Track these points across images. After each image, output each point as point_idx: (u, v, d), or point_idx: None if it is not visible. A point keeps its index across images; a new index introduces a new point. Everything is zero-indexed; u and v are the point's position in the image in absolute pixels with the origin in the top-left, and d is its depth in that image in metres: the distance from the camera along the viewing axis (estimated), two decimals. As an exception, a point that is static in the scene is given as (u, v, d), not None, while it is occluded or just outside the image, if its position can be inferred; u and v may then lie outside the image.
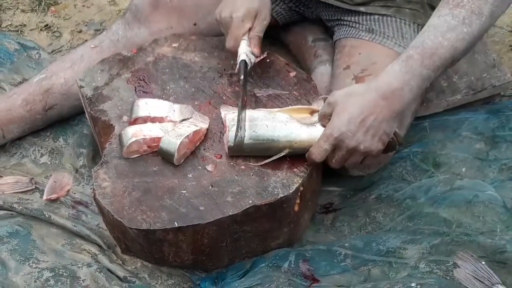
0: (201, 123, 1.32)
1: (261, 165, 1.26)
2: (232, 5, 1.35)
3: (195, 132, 1.29)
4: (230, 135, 1.24)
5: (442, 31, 1.16)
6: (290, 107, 1.31)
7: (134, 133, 1.27)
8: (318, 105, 1.33)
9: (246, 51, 1.35)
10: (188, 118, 1.32)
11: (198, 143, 1.31)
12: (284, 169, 1.25)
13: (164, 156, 1.27)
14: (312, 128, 1.23)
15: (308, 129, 1.23)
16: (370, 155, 1.20)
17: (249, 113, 1.26)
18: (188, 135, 1.26)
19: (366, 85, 1.19)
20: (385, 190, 1.43)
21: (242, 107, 1.27)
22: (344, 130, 1.16)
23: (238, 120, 1.24)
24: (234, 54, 1.37)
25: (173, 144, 1.24)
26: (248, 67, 1.36)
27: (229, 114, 1.28)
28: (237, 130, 1.23)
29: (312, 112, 1.27)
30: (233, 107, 1.35)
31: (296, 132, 1.23)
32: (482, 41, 1.66)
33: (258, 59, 1.40)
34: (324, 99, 1.25)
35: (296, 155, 1.25)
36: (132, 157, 1.28)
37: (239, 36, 1.36)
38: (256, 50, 1.36)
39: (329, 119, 1.19)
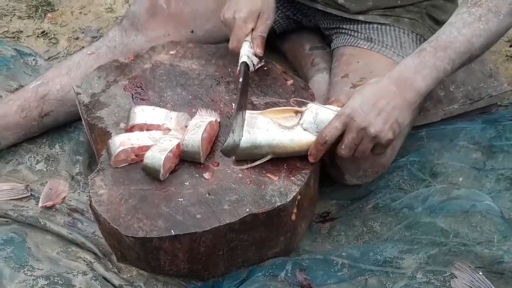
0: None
1: (245, 169, 1.26)
2: (236, 6, 1.35)
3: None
4: (186, 138, 1.24)
5: (458, 27, 1.19)
6: (273, 109, 1.30)
7: (121, 142, 1.27)
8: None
9: (247, 53, 1.35)
10: (169, 131, 1.31)
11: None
12: (281, 177, 1.25)
13: (149, 173, 1.25)
14: (293, 132, 1.24)
15: (289, 133, 1.23)
16: (379, 143, 1.20)
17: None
18: (171, 149, 1.24)
19: (380, 76, 1.22)
20: (382, 200, 1.43)
21: (238, 110, 1.26)
22: (356, 108, 1.17)
23: (233, 124, 1.23)
24: (237, 55, 1.37)
25: (157, 160, 1.22)
26: (250, 70, 1.36)
27: (194, 119, 1.29)
28: (230, 133, 1.22)
29: (296, 112, 1.27)
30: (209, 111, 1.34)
31: (278, 138, 1.23)
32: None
33: (259, 65, 1.39)
34: (297, 102, 1.27)
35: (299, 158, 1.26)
36: (120, 166, 1.28)
37: (242, 37, 1.35)
38: (259, 50, 1.36)
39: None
